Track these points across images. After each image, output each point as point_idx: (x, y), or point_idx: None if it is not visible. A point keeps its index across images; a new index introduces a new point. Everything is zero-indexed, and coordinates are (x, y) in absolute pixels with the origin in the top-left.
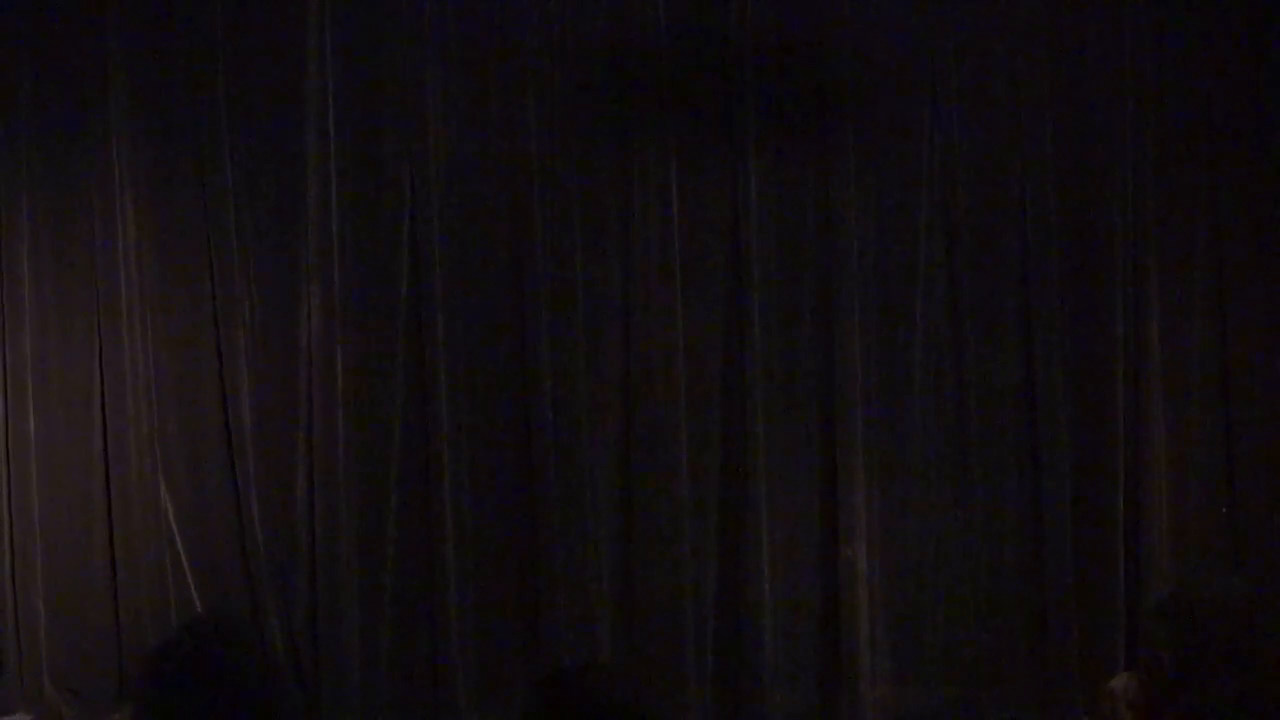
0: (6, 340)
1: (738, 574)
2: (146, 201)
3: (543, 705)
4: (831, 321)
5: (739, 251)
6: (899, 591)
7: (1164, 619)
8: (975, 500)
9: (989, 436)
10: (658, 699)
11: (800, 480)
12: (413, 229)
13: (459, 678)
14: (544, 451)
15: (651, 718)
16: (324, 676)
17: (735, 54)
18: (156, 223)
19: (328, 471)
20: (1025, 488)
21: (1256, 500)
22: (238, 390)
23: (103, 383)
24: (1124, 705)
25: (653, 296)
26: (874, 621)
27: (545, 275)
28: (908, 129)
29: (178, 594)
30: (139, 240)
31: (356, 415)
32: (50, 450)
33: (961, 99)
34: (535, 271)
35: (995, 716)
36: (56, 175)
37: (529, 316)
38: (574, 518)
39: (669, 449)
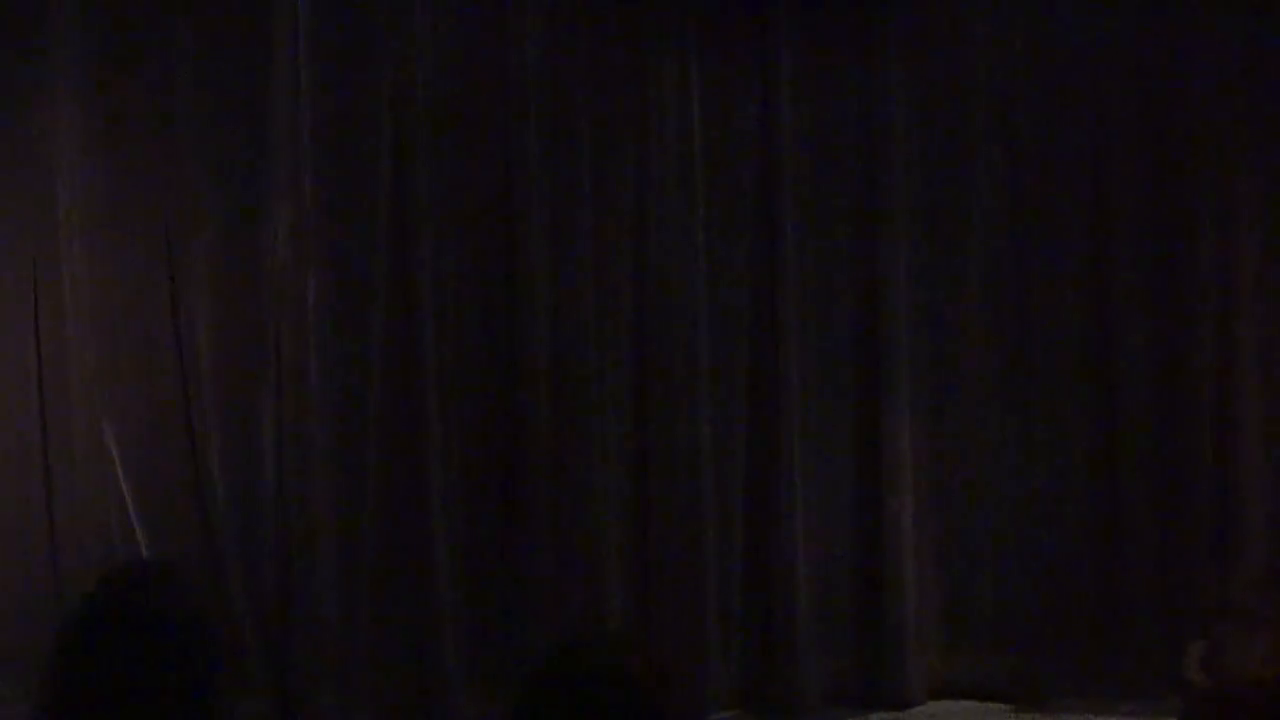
0: None
1: (767, 530)
2: (91, 105)
3: (546, 680)
4: (875, 239)
5: (770, 161)
6: (950, 547)
7: None
8: (1037, 441)
9: (1054, 367)
10: (677, 671)
11: (838, 421)
12: (395, 138)
13: (449, 647)
14: (545, 392)
15: (670, 691)
16: (295, 646)
17: None
18: (102, 129)
19: (298, 412)
20: (1097, 426)
21: None
22: (194, 321)
23: (37, 313)
24: (1195, 666)
25: (670, 214)
26: (922, 582)
27: (547, 189)
28: (962, 15)
29: (127, 555)
30: (83, 149)
31: (330, 348)
32: None
33: None
34: (536, 185)
35: (1058, 690)
36: None
37: (529, 237)
38: (579, 467)
39: (688, 387)
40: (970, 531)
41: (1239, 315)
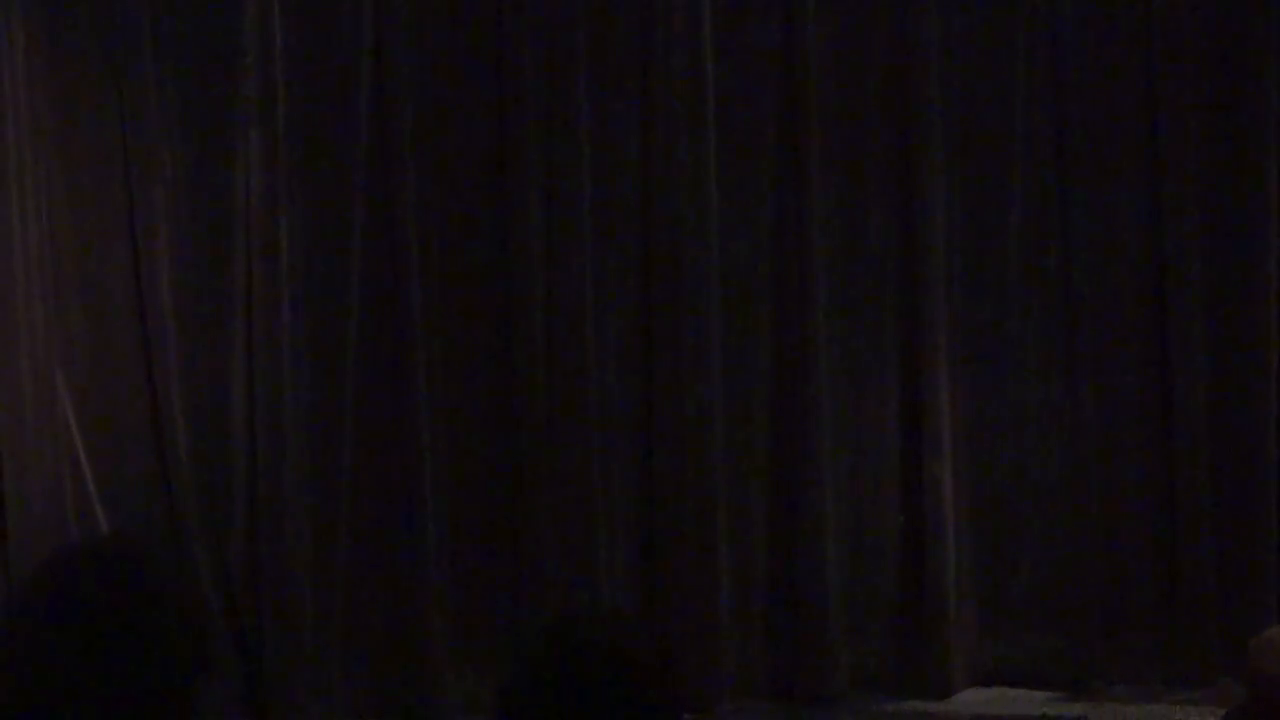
0: None
1: (792, 501)
2: (40, 24)
3: (537, 659)
4: (909, 179)
5: (792, 93)
6: (992, 521)
7: None
8: (1086, 406)
9: (1105, 326)
10: (683, 652)
11: (871, 381)
12: (377, 57)
13: (435, 627)
14: (540, 345)
15: (673, 673)
16: (265, 626)
17: None
18: (54, 51)
19: (270, 365)
20: (1151, 387)
21: None
22: (156, 263)
23: None
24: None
25: (680, 152)
26: (961, 557)
27: (541, 124)
28: None
29: (80, 521)
30: (30, 73)
31: (305, 293)
32: None
33: None
34: (528, 119)
35: (1106, 676)
36: None
37: (521, 175)
38: (578, 428)
39: (702, 345)
40: (1014, 505)
41: None
